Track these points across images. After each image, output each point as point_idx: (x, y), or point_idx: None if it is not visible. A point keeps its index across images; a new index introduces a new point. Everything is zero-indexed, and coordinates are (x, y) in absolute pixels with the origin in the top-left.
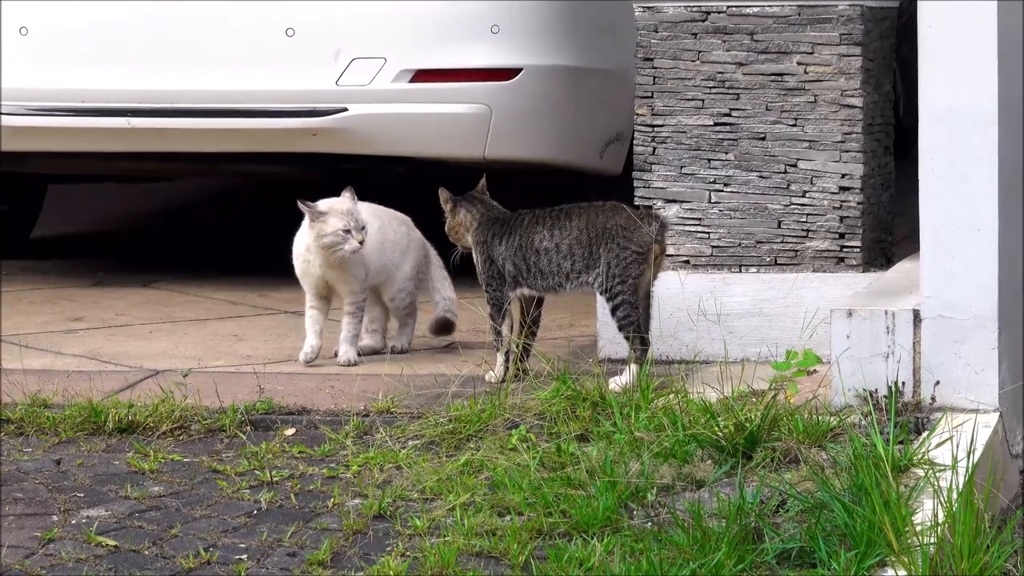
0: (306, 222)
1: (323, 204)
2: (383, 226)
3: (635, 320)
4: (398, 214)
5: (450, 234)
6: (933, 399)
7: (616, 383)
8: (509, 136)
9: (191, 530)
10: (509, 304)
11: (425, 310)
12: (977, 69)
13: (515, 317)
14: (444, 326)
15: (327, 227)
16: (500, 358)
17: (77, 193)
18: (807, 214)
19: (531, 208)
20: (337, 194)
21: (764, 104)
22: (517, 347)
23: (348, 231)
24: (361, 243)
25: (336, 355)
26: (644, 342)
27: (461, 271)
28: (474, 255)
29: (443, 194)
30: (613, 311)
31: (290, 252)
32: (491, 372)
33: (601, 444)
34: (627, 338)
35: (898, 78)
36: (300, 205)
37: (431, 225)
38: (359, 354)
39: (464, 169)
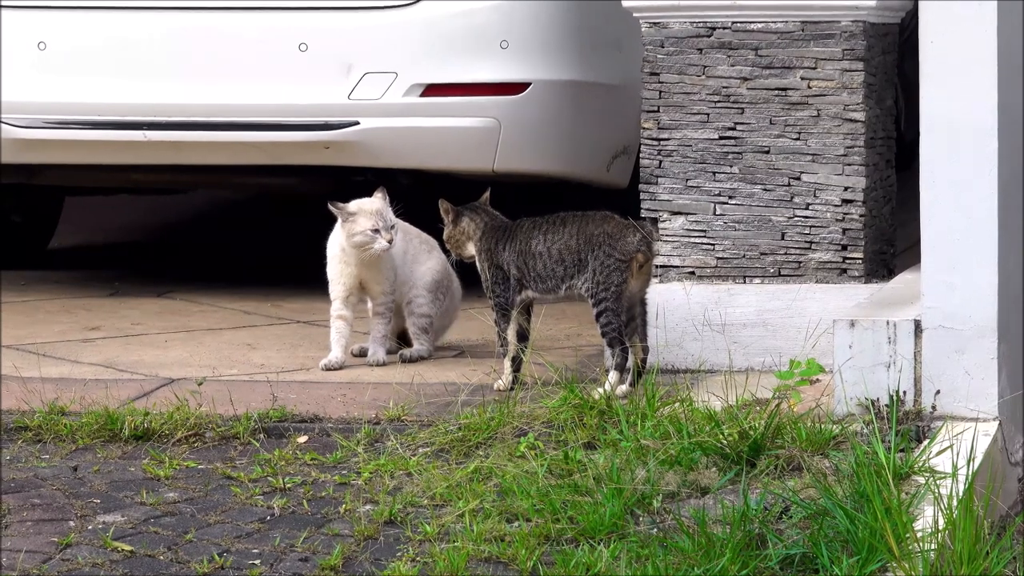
0: (339, 223)
1: (353, 205)
2: (405, 238)
3: (616, 327)
4: (423, 234)
5: (449, 243)
6: (934, 408)
7: (597, 392)
8: (518, 149)
9: (205, 536)
10: (514, 309)
11: None
12: (977, 82)
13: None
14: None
15: (356, 227)
16: (507, 365)
17: (93, 205)
18: (810, 226)
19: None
20: None
21: (768, 118)
22: (522, 352)
23: (377, 230)
24: (390, 242)
25: (362, 354)
26: (625, 350)
27: (467, 280)
28: (478, 263)
29: (443, 204)
30: (596, 317)
31: (306, 261)
32: (499, 380)
33: (608, 452)
34: (609, 344)
35: (899, 93)
36: (331, 206)
37: (439, 232)
38: (388, 352)
39: (472, 181)
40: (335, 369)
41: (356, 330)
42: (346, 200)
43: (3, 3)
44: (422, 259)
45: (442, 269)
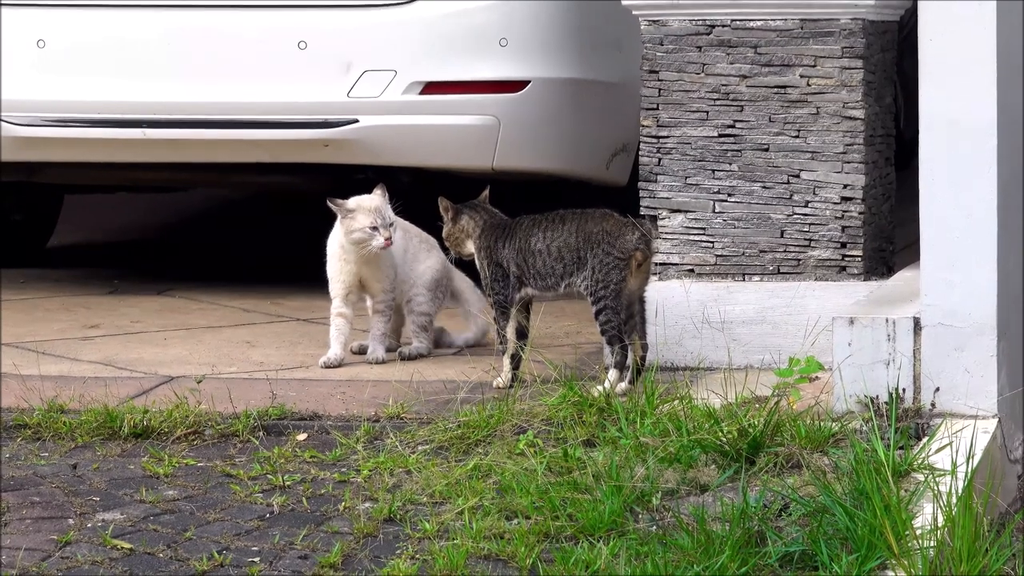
0: (338, 220)
1: (352, 202)
2: (405, 236)
3: (616, 325)
4: (423, 232)
5: (448, 240)
6: (933, 405)
7: (596, 390)
8: (517, 147)
9: (205, 533)
10: (513, 307)
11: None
12: (977, 82)
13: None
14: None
15: (355, 223)
16: (506, 362)
17: (93, 204)
18: (809, 224)
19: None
20: None
21: (767, 116)
22: (521, 350)
23: (375, 228)
24: (388, 239)
25: (362, 352)
26: (624, 348)
27: (468, 274)
28: (477, 261)
29: (443, 202)
30: (596, 315)
31: (306, 259)
32: (499, 378)
33: (607, 449)
34: (608, 342)
35: (899, 90)
36: (329, 203)
37: (438, 230)
38: (387, 350)
39: (471, 179)
40: (334, 367)
41: (355, 328)
42: (346, 198)
43: (3, 1)
44: (422, 257)
45: (442, 268)
